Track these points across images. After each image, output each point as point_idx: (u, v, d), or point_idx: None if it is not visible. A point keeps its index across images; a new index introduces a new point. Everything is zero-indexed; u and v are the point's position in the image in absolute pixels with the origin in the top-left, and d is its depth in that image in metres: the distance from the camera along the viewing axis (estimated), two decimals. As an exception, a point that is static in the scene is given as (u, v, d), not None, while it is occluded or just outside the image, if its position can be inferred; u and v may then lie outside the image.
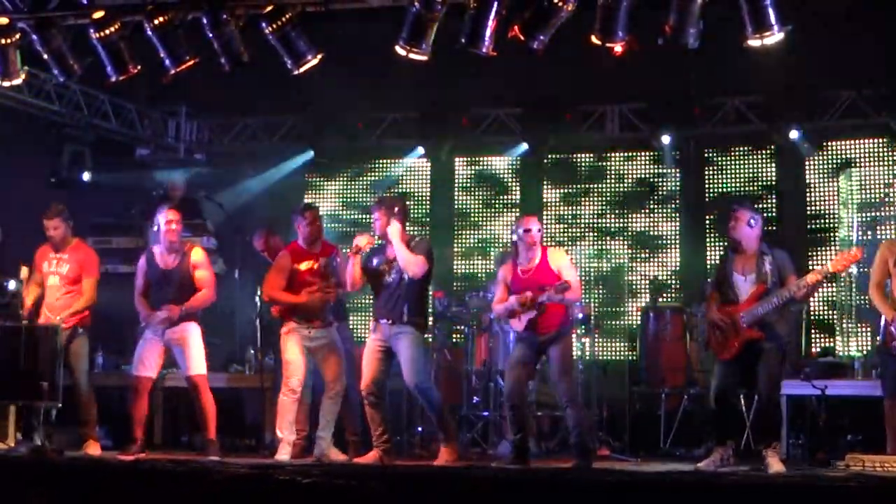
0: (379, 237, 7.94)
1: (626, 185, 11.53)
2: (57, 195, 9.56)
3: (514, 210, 11.65)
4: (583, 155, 11.66)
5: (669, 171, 11.36)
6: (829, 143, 10.88)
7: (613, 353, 11.08)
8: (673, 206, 11.40)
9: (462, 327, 9.99)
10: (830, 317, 10.57)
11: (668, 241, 11.36)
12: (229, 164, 12.00)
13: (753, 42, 7.07)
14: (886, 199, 10.41)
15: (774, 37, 7.01)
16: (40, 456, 7.53)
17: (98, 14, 7.82)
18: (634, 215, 11.46)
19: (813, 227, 10.88)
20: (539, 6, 7.22)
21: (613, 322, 11.11)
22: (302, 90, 9.58)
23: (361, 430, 8.35)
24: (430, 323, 9.36)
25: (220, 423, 8.33)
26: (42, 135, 10.69)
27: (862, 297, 9.51)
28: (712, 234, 11.11)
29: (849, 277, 9.81)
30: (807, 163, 10.92)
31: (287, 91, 9.80)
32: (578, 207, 11.59)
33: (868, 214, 10.39)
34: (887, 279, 7.47)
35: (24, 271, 8.57)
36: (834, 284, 10.23)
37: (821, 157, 10.91)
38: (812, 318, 10.45)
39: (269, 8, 7.63)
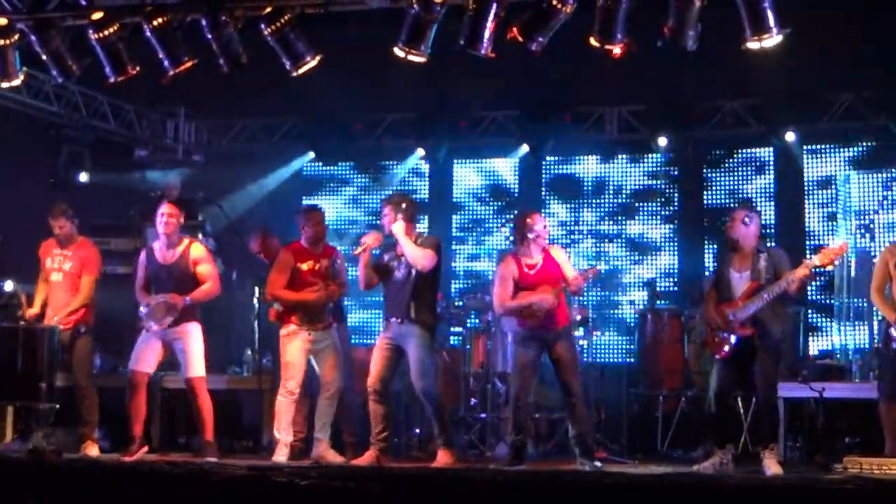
0: (388, 234, 7.95)
1: (625, 186, 11.53)
2: (55, 196, 9.54)
3: (512, 212, 11.62)
4: (581, 157, 11.66)
5: (668, 173, 11.36)
6: (828, 146, 10.88)
7: (611, 356, 11.07)
8: (671, 208, 11.40)
9: (460, 329, 9.98)
10: (827, 319, 10.56)
11: (666, 243, 11.35)
12: (228, 165, 11.97)
13: (752, 44, 7.07)
14: (885, 202, 10.40)
15: (773, 39, 7.02)
16: (38, 457, 7.52)
17: (97, 15, 7.82)
18: (633, 217, 11.45)
19: (811, 230, 10.87)
20: (538, 8, 7.23)
21: (611, 324, 11.09)
22: (301, 92, 9.57)
23: (359, 431, 8.36)
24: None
25: (217, 425, 8.33)
26: (41, 136, 10.68)
27: (860, 301, 9.50)
28: (710, 237, 11.09)
29: (846, 280, 9.79)
30: (805, 165, 10.92)
31: (286, 92, 9.80)
32: (577, 210, 11.58)
33: (866, 217, 10.37)
34: (888, 283, 7.50)
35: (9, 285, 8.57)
36: (831, 285, 10.22)
37: (819, 160, 10.91)
38: (809, 321, 10.45)
39: (268, 9, 7.64)
